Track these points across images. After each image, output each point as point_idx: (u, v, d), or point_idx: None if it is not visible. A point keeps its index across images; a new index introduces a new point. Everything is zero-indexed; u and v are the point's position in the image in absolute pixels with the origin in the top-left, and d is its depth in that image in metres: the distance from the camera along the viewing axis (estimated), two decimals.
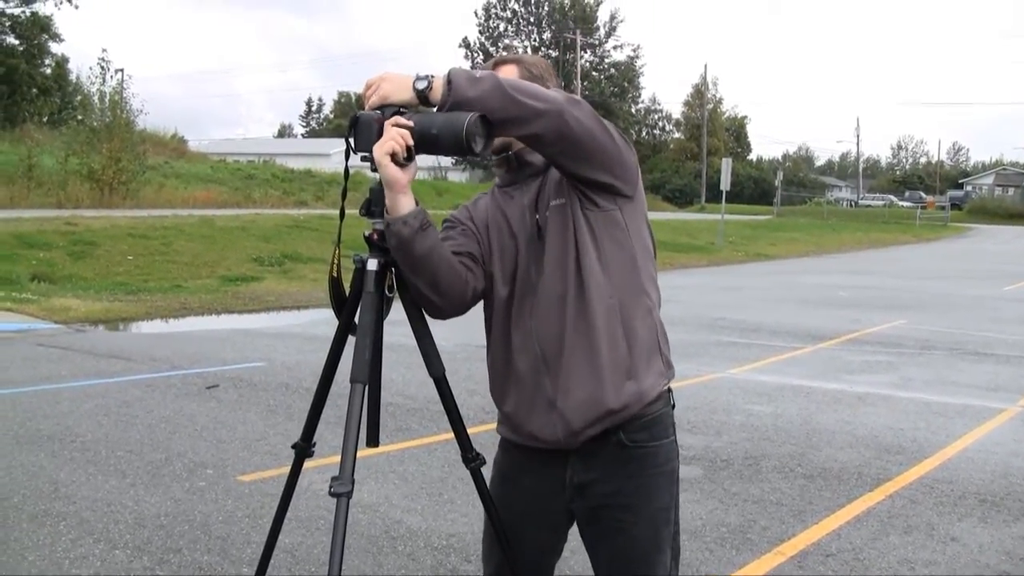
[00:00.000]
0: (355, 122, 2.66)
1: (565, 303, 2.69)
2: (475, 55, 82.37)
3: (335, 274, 2.79)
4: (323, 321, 13.49)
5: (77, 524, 5.34)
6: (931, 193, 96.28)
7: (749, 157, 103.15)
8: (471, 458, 2.79)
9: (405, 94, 2.55)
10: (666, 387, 2.78)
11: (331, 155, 65.33)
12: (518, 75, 2.80)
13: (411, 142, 2.53)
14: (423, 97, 2.52)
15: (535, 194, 2.78)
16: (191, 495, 5.91)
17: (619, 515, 2.76)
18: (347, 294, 2.73)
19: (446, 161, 63.19)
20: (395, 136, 2.50)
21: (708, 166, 79.48)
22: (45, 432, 7.18)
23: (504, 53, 2.98)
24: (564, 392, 2.70)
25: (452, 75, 2.48)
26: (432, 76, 2.53)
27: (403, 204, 2.56)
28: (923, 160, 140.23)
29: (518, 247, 2.78)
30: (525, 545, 2.87)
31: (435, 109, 2.53)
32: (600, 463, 2.75)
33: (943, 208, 72.75)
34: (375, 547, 5.18)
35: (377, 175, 2.72)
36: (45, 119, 46.00)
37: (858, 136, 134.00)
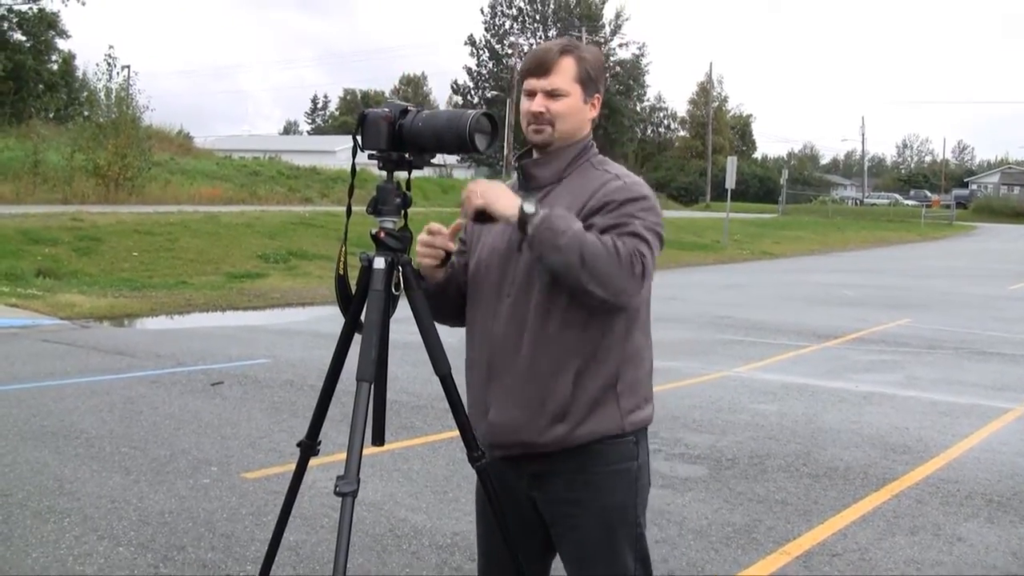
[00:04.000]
0: (363, 120, 2.67)
1: (523, 330, 2.72)
2: (481, 52, 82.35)
3: (342, 272, 2.79)
4: (328, 318, 13.47)
5: (81, 521, 5.33)
6: (936, 192, 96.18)
7: (754, 155, 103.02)
8: (476, 457, 2.78)
9: (508, 210, 2.56)
10: (619, 430, 2.76)
11: (337, 152, 65.35)
12: (575, 72, 2.75)
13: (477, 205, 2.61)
14: (523, 219, 2.54)
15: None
16: (195, 492, 5.90)
17: (569, 510, 2.80)
18: (353, 292, 2.73)
19: (451, 159, 63.24)
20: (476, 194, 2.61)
21: (713, 164, 79.40)
22: (50, 428, 7.18)
23: (570, 38, 2.90)
24: (496, 407, 2.77)
25: (552, 219, 2.53)
26: (539, 207, 2.55)
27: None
28: (928, 159, 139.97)
29: (497, 252, 2.80)
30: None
31: (523, 236, 2.58)
32: (549, 458, 2.78)
33: (948, 207, 72.70)
34: (379, 545, 5.17)
35: (383, 172, 2.72)
36: (51, 115, 46.09)
37: (863, 135, 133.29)
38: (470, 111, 2.59)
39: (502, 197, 2.57)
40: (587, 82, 2.77)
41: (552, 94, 2.71)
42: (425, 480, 6.30)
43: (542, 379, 2.69)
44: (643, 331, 2.80)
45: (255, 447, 6.92)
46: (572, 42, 2.84)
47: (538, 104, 2.72)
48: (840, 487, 6.49)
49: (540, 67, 2.75)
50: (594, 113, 2.83)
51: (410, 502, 5.86)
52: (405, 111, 2.66)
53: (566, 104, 2.72)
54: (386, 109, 2.66)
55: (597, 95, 2.82)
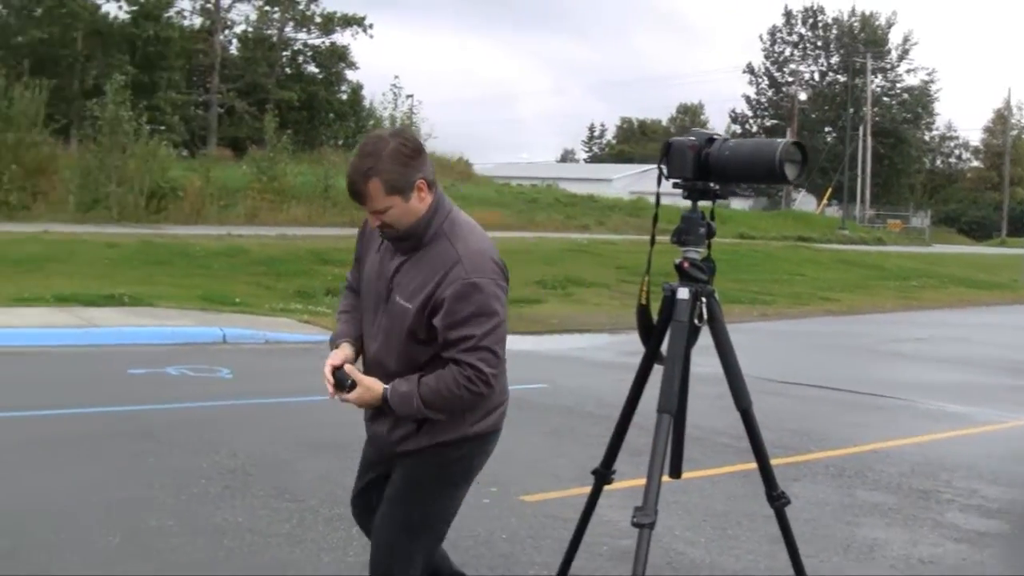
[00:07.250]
0: (668, 148, 2.64)
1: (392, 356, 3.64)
2: (760, 80, 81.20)
3: (644, 302, 2.77)
4: (606, 346, 13.53)
5: None
6: None
7: None
8: (776, 496, 2.70)
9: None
10: None
11: (613, 180, 65.86)
12: (383, 188, 3.10)
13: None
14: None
15: (397, 265, 3.31)
16: (475, 511, 5.98)
17: None
18: (654, 322, 2.70)
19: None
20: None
21: (1010, 197, 75.23)
22: (329, 440, 7.50)
23: (365, 158, 3.15)
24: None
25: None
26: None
27: None
28: None
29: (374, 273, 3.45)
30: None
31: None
32: None
33: None
34: None
35: (688, 203, 2.68)
36: (341, 142, 48.58)
37: None
38: (778, 140, 2.52)
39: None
40: (400, 187, 3.08)
41: (379, 213, 3.14)
42: (703, 514, 6.17)
43: None
44: None
45: (533, 471, 6.99)
46: (365, 166, 3.09)
47: (375, 221, 3.22)
48: None
49: (357, 198, 3.15)
50: (424, 194, 3.16)
51: (688, 535, 5.76)
52: (711, 139, 2.62)
53: (392, 215, 3.15)
54: (692, 138, 2.62)
55: (420, 181, 3.12)
